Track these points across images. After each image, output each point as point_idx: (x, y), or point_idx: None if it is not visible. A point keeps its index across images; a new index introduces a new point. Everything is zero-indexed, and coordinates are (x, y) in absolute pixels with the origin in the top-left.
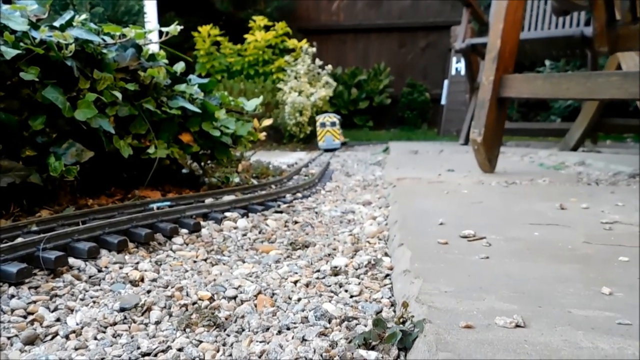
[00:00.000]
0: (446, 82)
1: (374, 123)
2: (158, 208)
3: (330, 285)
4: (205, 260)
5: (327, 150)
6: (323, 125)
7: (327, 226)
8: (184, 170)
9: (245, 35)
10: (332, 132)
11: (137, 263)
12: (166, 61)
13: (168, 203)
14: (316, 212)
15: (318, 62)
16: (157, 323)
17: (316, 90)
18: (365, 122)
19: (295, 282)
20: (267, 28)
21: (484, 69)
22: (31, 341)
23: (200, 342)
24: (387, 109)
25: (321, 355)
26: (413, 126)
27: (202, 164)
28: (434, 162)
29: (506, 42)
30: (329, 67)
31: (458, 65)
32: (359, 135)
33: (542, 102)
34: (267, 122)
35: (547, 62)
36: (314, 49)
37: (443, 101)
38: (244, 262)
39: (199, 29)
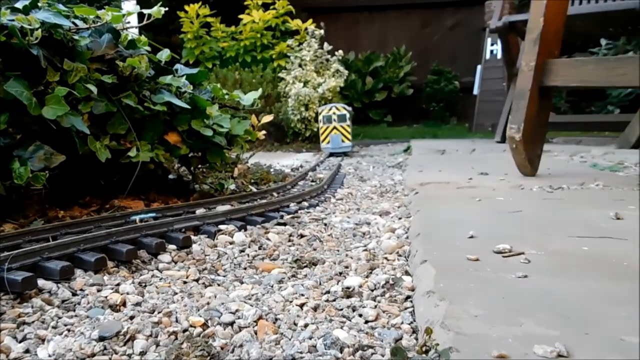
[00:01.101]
0: (479, 67)
1: (393, 118)
2: (141, 220)
3: (342, 309)
4: (197, 280)
5: (333, 155)
6: (328, 120)
7: (338, 240)
8: (170, 176)
9: (241, 16)
10: (340, 129)
11: (118, 285)
12: (148, 48)
13: (153, 214)
14: (325, 224)
15: (326, 46)
16: (142, 354)
17: (324, 80)
18: (383, 117)
19: (302, 306)
20: (266, 6)
21: (524, 52)
22: None
23: None
24: (409, 100)
25: None
26: (439, 121)
27: (192, 168)
28: (464, 163)
29: (551, 19)
30: (340, 52)
31: (493, 48)
32: (375, 132)
33: (596, 90)
34: (267, 118)
35: (603, 42)
36: (322, 31)
37: (475, 91)
38: (241, 282)
39: (186, 8)
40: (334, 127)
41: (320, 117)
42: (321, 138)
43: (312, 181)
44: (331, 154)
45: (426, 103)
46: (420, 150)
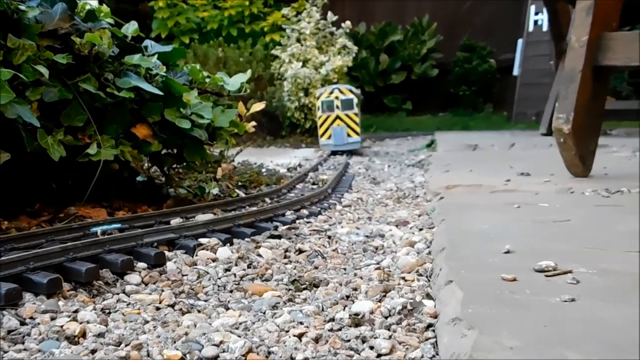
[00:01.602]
0: (520, 42)
1: (413, 105)
2: (104, 233)
3: (349, 340)
4: (172, 306)
5: (336, 153)
6: (329, 106)
7: (344, 257)
8: (139, 178)
9: None
10: (345, 119)
11: (76, 311)
12: (111, 21)
13: (118, 225)
14: (329, 237)
15: (331, 16)
16: None
17: (328, 58)
18: (401, 104)
19: (300, 336)
20: None
21: (574, 25)
22: None
23: None
24: (433, 83)
25: None
26: (471, 108)
27: (166, 168)
28: (501, 161)
29: None
30: (347, 23)
31: (538, 18)
32: (391, 123)
33: None
34: (258, 106)
35: None
36: None
37: (516, 71)
38: (227, 308)
39: None
40: (337, 117)
41: (318, 104)
42: (319, 131)
43: (314, 184)
44: (334, 153)
45: (455, 87)
46: (446, 146)
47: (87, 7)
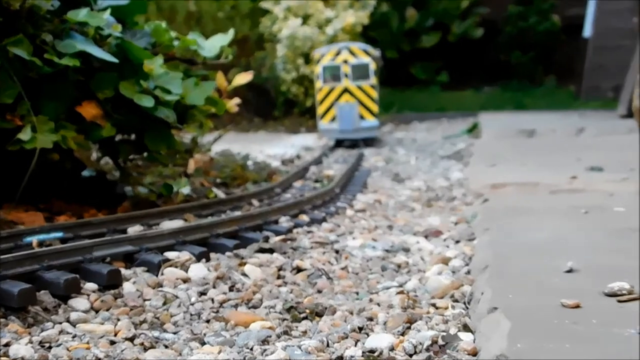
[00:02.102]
0: None
1: (450, 76)
2: (42, 244)
3: None
4: (131, 339)
5: (341, 142)
6: (334, 74)
7: (356, 277)
8: (86, 173)
9: None
10: (357, 93)
11: (7, 345)
12: None
13: (59, 234)
14: (337, 251)
15: None
16: None
17: (336, 13)
18: (434, 75)
19: None
20: None
21: None
22: None
23: None
24: (477, 47)
25: None
26: (527, 81)
27: (121, 160)
28: (565, 152)
29: None
30: None
31: None
32: (420, 100)
33: None
34: (244, 78)
35: None
36: None
37: (587, 32)
38: (203, 343)
39: None
40: (345, 90)
41: (317, 70)
42: (319, 110)
43: (316, 181)
44: (338, 143)
45: (506, 52)
46: (493, 131)
47: None
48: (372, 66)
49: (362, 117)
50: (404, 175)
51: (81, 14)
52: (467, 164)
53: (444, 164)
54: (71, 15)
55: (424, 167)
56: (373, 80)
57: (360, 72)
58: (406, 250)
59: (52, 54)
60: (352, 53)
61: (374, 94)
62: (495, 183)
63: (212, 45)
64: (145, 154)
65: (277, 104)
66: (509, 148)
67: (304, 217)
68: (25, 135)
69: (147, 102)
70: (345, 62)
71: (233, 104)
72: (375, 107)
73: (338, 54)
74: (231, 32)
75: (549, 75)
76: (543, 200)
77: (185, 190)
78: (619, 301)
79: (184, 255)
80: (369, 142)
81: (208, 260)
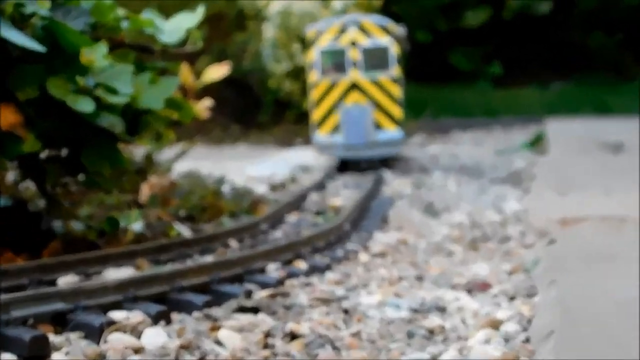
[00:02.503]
0: None
1: (505, 67)
2: None
3: None
4: None
5: (346, 163)
6: (336, 61)
7: (372, 345)
8: (1, 202)
9: None
10: (371, 90)
11: None
12: None
13: None
14: (346, 311)
15: None
16: None
17: None
18: (482, 65)
19: None
20: None
21: None
22: None
23: None
24: (542, 28)
25: None
26: (613, 73)
27: (49, 184)
28: None
29: None
30: None
31: None
32: (462, 99)
33: None
34: (217, 70)
35: None
36: None
37: None
38: None
39: None
40: (354, 86)
41: (312, 55)
42: (314, 115)
43: (318, 213)
44: (343, 164)
45: (581, 34)
46: (565, 144)
47: None
48: (394, 50)
49: (378, 126)
50: (440, 205)
51: None
52: (528, 191)
53: (495, 190)
54: None
55: (467, 195)
56: (395, 71)
57: (375, 59)
58: (441, 310)
59: None
60: (363, 30)
61: (397, 91)
62: (566, 217)
63: (175, 27)
64: (81, 177)
65: (265, 104)
66: (587, 168)
67: (301, 264)
68: None
69: (85, 105)
70: (354, 44)
71: (203, 107)
72: (398, 111)
73: (343, 31)
74: (201, 10)
75: None
76: (633, 242)
77: (137, 226)
78: None
79: (135, 316)
80: (387, 161)
81: (168, 322)
